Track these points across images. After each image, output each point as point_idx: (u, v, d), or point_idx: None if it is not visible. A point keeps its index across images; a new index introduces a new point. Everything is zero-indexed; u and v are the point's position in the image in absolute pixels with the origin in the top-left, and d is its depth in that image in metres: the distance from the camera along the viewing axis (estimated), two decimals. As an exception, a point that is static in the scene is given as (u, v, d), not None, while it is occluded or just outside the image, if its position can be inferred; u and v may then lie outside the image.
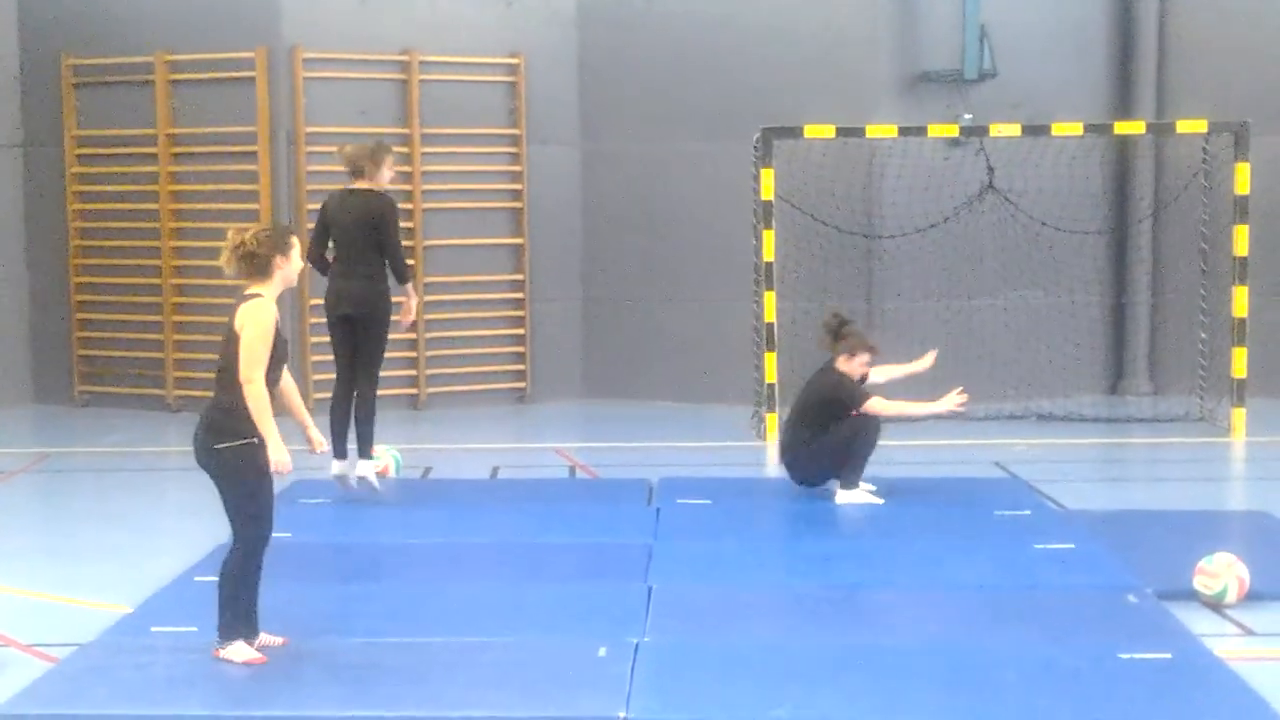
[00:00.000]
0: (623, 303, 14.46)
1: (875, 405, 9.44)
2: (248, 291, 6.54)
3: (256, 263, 6.50)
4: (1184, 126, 12.84)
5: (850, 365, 9.57)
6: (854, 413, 9.42)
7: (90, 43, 13.96)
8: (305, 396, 13.15)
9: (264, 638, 6.67)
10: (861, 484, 9.52)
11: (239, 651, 6.50)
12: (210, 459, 6.47)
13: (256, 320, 6.42)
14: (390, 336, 9.67)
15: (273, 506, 6.58)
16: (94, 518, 9.89)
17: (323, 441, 7.07)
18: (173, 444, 12.69)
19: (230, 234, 6.56)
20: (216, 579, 6.58)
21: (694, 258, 14.06)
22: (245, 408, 6.35)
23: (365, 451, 9.60)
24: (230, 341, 6.43)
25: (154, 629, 6.99)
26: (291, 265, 6.59)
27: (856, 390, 9.53)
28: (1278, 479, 10.96)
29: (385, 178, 9.55)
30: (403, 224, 13.72)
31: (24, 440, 12.96)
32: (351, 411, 9.57)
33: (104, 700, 6.11)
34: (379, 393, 9.69)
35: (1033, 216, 13.53)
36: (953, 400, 9.40)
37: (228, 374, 6.43)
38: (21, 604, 7.79)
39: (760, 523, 9.33)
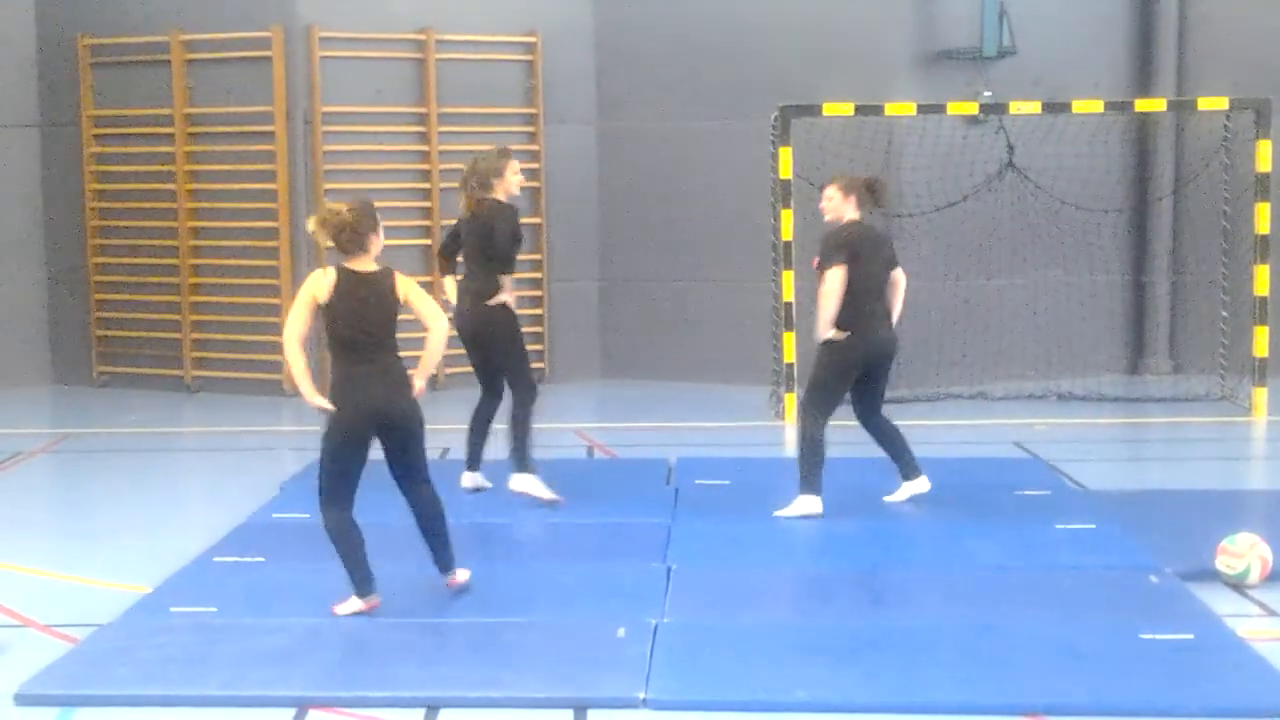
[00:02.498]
0: (640, 282, 14.42)
1: (830, 277, 8.58)
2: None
3: (355, 238, 6.77)
4: (1205, 104, 12.74)
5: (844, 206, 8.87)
6: (815, 265, 8.69)
7: (106, 22, 13.94)
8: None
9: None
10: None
11: (348, 605, 6.87)
12: None
13: (304, 287, 6.85)
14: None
15: (347, 458, 6.91)
16: (112, 498, 9.90)
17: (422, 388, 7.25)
18: (190, 424, 12.72)
19: (321, 210, 6.86)
20: None
21: (712, 237, 14.01)
22: (332, 380, 6.82)
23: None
24: None
25: (173, 609, 7.01)
26: (380, 239, 6.89)
27: (832, 247, 8.71)
28: (1300, 458, 10.92)
29: (512, 185, 8.92)
30: (420, 204, 13.82)
31: (43, 421, 12.98)
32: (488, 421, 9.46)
33: (123, 681, 6.13)
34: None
35: (1053, 195, 13.46)
36: (835, 332, 8.55)
37: None
38: (41, 584, 7.80)
39: (779, 503, 9.27)
